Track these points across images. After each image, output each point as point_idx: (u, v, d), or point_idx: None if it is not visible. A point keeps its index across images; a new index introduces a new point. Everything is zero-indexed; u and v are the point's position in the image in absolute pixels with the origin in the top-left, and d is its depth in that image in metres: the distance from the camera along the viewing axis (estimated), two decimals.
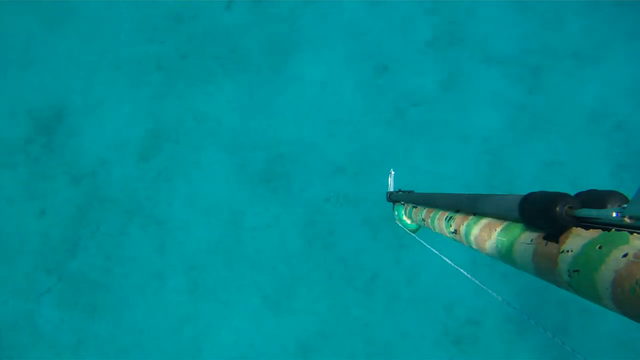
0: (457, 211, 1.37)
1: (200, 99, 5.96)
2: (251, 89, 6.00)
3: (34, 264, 5.43)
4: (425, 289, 5.42)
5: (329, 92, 5.99)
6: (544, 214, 0.77)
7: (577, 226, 0.74)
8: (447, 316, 5.34)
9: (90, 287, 5.37)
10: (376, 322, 5.32)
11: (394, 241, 5.52)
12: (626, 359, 5.21)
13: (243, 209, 5.64)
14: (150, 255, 5.47)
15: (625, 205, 0.66)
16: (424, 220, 1.72)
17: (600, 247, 0.65)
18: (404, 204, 2.20)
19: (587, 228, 0.72)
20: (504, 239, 0.97)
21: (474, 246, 1.18)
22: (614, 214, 0.66)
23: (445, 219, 1.43)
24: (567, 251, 0.72)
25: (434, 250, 1.88)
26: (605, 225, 0.68)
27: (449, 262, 1.68)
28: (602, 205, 0.71)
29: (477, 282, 1.51)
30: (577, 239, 0.71)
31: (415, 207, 1.94)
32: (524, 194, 0.88)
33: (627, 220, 0.64)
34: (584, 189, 0.78)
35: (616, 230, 0.65)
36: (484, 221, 1.12)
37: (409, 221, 2.22)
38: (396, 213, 2.33)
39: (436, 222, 1.54)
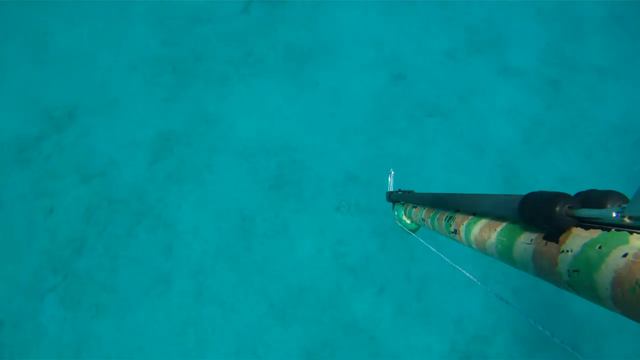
0: (457, 211, 1.36)
1: (213, 102, 5.93)
2: (265, 93, 5.95)
3: (40, 262, 5.40)
4: (434, 303, 5.30)
5: (343, 99, 5.93)
6: (544, 214, 0.77)
7: (577, 226, 0.74)
8: (456, 332, 5.22)
9: (95, 288, 5.32)
10: (383, 335, 5.21)
11: (404, 253, 5.43)
12: None
13: (253, 214, 5.57)
14: (157, 257, 5.42)
15: (625, 205, 0.65)
16: (424, 220, 1.72)
17: (600, 247, 0.65)
18: (403, 204, 2.19)
19: (587, 228, 0.72)
20: (504, 239, 0.97)
21: (474, 246, 1.17)
22: (614, 214, 0.66)
23: (445, 219, 1.43)
24: (567, 251, 0.72)
25: (433, 249, 1.87)
26: (605, 225, 0.69)
27: (449, 262, 1.67)
28: (602, 205, 0.71)
29: (476, 281, 1.50)
30: (577, 239, 0.72)
31: (415, 207, 1.93)
32: (524, 194, 0.87)
33: (627, 220, 0.64)
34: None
35: (616, 230, 0.66)
36: (484, 221, 1.12)
37: (408, 221, 2.19)
38: (396, 213, 2.31)
39: (436, 222, 1.54)
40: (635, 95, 5.65)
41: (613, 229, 0.66)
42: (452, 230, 1.33)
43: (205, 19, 6.23)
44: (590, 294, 0.66)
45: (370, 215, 5.52)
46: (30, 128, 5.80)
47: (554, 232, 0.77)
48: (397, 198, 2.24)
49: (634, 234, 0.62)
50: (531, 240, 0.84)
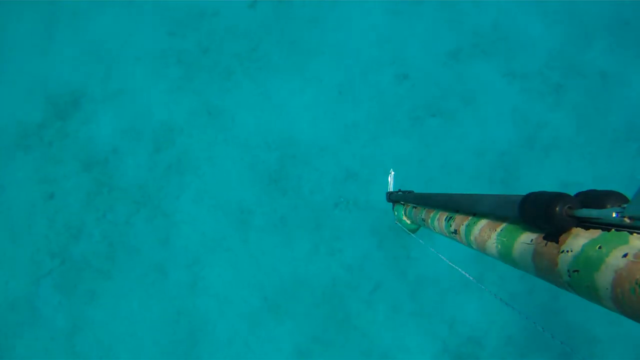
0: (457, 211, 1.37)
1: (217, 95, 5.95)
2: (268, 88, 5.96)
3: (37, 246, 5.45)
4: (428, 304, 5.28)
5: (347, 96, 5.93)
6: (544, 214, 0.77)
7: (577, 226, 0.75)
8: (448, 333, 5.20)
9: (91, 274, 5.36)
10: (375, 333, 5.20)
11: (401, 252, 5.41)
12: None
13: (251, 207, 5.58)
14: (153, 246, 5.44)
15: (625, 206, 0.66)
16: (424, 221, 1.73)
17: (600, 247, 0.65)
18: (403, 204, 2.19)
19: (587, 228, 0.73)
20: (504, 239, 0.98)
21: (474, 246, 1.18)
22: (614, 214, 0.66)
23: (445, 219, 1.43)
24: (567, 251, 0.72)
25: (432, 249, 1.90)
26: (605, 226, 0.69)
27: (448, 262, 1.68)
28: (602, 206, 0.71)
29: (484, 287, 1.50)
30: (577, 239, 0.72)
31: (415, 207, 1.93)
32: (524, 194, 0.88)
33: (626, 220, 0.64)
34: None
35: (616, 230, 0.66)
36: (484, 221, 1.12)
37: (408, 221, 2.20)
38: (396, 213, 2.32)
39: (436, 222, 1.55)
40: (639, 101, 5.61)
41: (613, 229, 0.67)
42: (452, 230, 1.34)
43: (212, 13, 6.26)
44: (590, 294, 0.66)
45: (368, 213, 5.51)
46: (34, 114, 5.85)
47: (554, 232, 0.77)
48: (397, 198, 2.25)
49: (634, 234, 0.63)
50: (531, 240, 0.85)
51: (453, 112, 5.81)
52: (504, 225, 1.00)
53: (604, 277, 0.61)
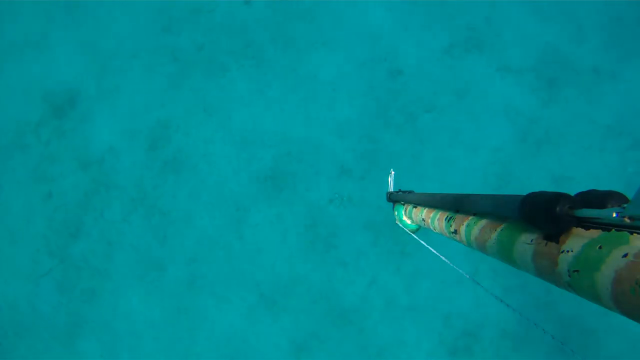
0: (457, 211, 1.38)
1: (213, 93, 5.97)
2: (263, 85, 5.98)
3: (36, 245, 5.50)
4: (423, 298, 5.35)
5: (341, 93, 5.95)
6: (544, 214, 0.77)
7: (577, 226, 0.75)
8: (444, 326, 5.28)
9: (90, 272, 5.41)
10: (371, 328, 5.28)
11: (395, 247, 5.47)
12: None
13: (247, 205, 5.63)
14: (151, 244, 5.50)
15: (625, 206, 0.66)
16: (424, 221, 1.74)
17: (600, 247, 0.65)
18: (404, 204, 2.20)
19: (587, 228, 0.73)
20: (504, 239, 0.98)
21: (474, 246, 1.18)
22: (614, 214, 0.67)
23: (445, 219, 1.44)
24: (567, 251, 0.72)
25: (432, 249, 1.90)
26: (605, 225, 0.69)
27: (448, 262, 1.70)
28: (602, 206, 0.72)
29: (470, 278, 1.52)
30: (577, 239, 0.72)
31: (415, 207, 1.94)
32: (523, 193, 0.88)
33: (627, 220, 0.65)
34: None
35: (616, 230, 0.66)
36: (484, 221, 1.13)
37: (409, 221, 2.22)
38: (396, 213, 2.34)
39: (436, 222, 1.56)
40: (631, 97, 5.63)
41: (613, 229, 0.67)
42: (452, 230, 1.34)
43: (207, 9, 6.25)
44: (590, 294, 0.66)
45: (363, 209, 5.56)
46: (31, 113, 5.87)
47: (554, 232, 0.78)
48: (398, 198, 2.26)
49: (634, 234, 0.63)
50: (531, 240, 0.85)
51: (447, 108, 5.84)
52: (504, 225, 1.01)
53: (604, 277, 0.62)
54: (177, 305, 5.34)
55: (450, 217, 1.39)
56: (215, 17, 6.23)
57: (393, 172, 2.75)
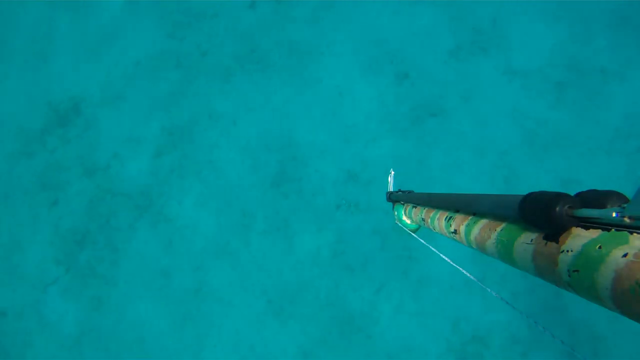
0: (457, 211, 1.37)
1: (217, 98, 5.95)
2: (268, 90, 5.96)
3: (43, 253, 5.50)
4: (431, 303, 5.32)
5: (346, 97, 5.92)
6: (544, 214, 0.77)
7: (577, 226, 0.75)
8: (452, 332, 5.23)
9: (97, 280, 5.41)
10: (379, 335, 5.24)
11: (403, 252, 5.44)
12: None
13: (253, 211, 5.61)
14: (157, 252, 5.49)
15: (625, 205, 0.66)
16: (424, 220, 1.73)
17: (600, 247, 0.65)
18: (403, 204, 2.19)
19: (587, 228, 0.72)
20: (504, 239, 0.98)
21: (473, 246, 1.18)
22: (614, 214, 0.66)
23: (445, 219, 1.43)
24: (567, 251, 0.72)
25: (433, 249, 1.88)
26: (605, 225, 0.69)
27: (450, 261, 1.68)
28: (602, 205, 0.71)
29: (477, 281, 1.51)
30: (577, 239, 0.72)
31: (415, 207, 1.93)
32: (524, 194, 0.88)
33: (627, 220, 0.64)
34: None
35: (616, 230, 0.66)
36: (484, 221, 1.12)
37: (408, 221, 2.21)
38: (396, 213, 2.32)
39: (436, 222, 1.54)
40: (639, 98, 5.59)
41: (613, 229, 0.67)
42: (452, 230, 1.33)
43: (211, 14, 6.24)
44: (590, 294, 0.66)
45: (370, 214, 5.53)
46: (36, 121, 5.87)
47: (554, 232, 0.77)
48: (397, 198, 2.25)
49: (634, 234, 0.63)
50: (531, 240, 0.85)
51: (453, 111, 5.80)
52: (504, 225, 1.01)
53: (604, 277, 0.62)
54: (183, 312, 5.32)
55: (450, 217, 1.38)
56: (219, 22, 6.22)
57: (393, 172, 2.76)
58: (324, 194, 5.62)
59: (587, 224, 0.73)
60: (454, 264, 1.63)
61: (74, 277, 5.42)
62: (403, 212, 2.19)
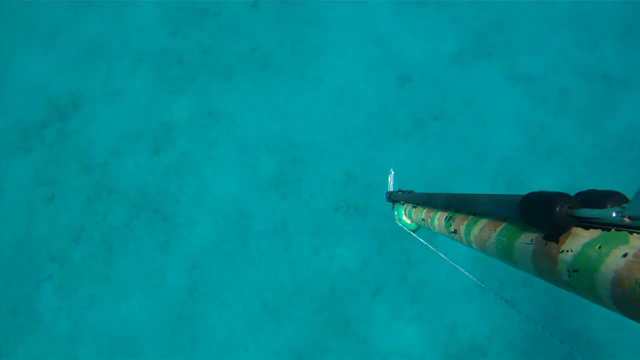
0: (457, 211, 1.37)
1: (218, 97, 5.92)
2: (269, 89, 5.93)
3: (38, 249, 5.46)
4: (429, 308, 5.27)
5: (348, 98, 5.89)
6: (543, 214, 0.77)
7: (577, 226, 0.75)
8: (449, 339, 5.18)
9: (91, 277, 5.36)
10: (375, 339, 5.19)
11: (401, 257, 5.39)
12: None
13: (251, 211, 5.57)
14: (153, 250, 5.44)
15: (625, 205, 0.66)
16: (424, 220, 1.73)
17: (600, 247, 0.65)
18: (403, 204, 2.19)
19: (587, 228, 0.72)
20: (504, 239, 0.98)
21: (473, 246, 1.17)
22: (614, 214, 0.66)
23: (445, 219, 1.43)
24: (567, 251, 0.72)
25: (433, 249, 1.89)
26: (605, 225, 0.69)
27: (450, 261, 1.69)
28: (602, 205, 0.71)
29: (478, 282, 1.49)
30: (577, 239, 0.72)
31: (415, 207, 1.94)
32: (524, 194, 0.88)
33: (626, 220, 0.64)
34: None
35: (616, 230, 0.66)
36: (484, 221, 1.12)
37: (408, 221, 2.21)
38: (396, 213, 2.32)
39: (436, 222, 1.54)
40: None
41: (613, 229, 0.66)
42: (452, 230, 1.33)
43: (214, 12, 6.21)
44: (590, 294, 0.66)
45: (369, 217, 5.49)
46: (35, 115, 5.84)
47: (554, 232, 0.77)
48: (397, 198, 2.25)
49: (634, 234, 0.63)
50: (531, 240, 0.85)
51: (455, 116, 5.76)
52: (503, 225, 1.00)
53: (604, 277, 0.62)
54: (178, 311, 5.28)
55: (450, 217, 1.38)
56: (221, 20, 6.19)
57: (393, 172, 2.77)
58: (323, 196, 5.58)
59: (587, 224, 0.73)
60: (454, 263, 1.63)
61: (69, 273, 5.37)
62: (403, 212, 2.20)
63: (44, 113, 5.85)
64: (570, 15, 5.85)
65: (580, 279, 0.67)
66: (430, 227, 1.63)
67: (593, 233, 0.69)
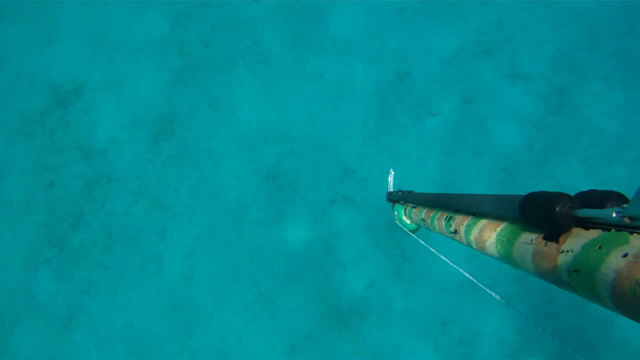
0: (457, 211, 1.37)
1: (218, 88, 5.95)
2: (270, 82, 5.95)
3: (37, 234, 5.51)
4: (421, 303, 5.30)
5: (347, 93, 5.91)
6: (544, 213, 0.77)
7: (577, 226, 0.75)
8: (441, 333, 5.22)
9: (89, 263, 5.42)
10: (367, 332, 5.23)
11: (396, 251, 5.42)
12: None
13: (248, 202, 5.60)
14: (151, 238, 5.49)
15: (625, 206, 0.66)
16: (424, 220, 1.73)
17: (600, 247, 0.65)
18: (403, 204, 2.20)
19: (587, 228, 0.72)
20: (504, 239, 0.98)
21: (473, 246, 1.17)
22: (614, 214, 0.66)
23: (445, 219, 1.43)
24: (567, 251, 0.72)
25: (432, 249, 1.86)
26: (605, 225, 0.69)
27: (448, 261, 1.65)
28: (602, 206, 0.71)
29: (477, 282, 1.50)
30: (577, 239, 0.72)
31: (415, 207, 1.94)
32: (523, 193, 0.88)
33: (626, 220, 0.64)
34: None
35: (616, 230, 0.66)
36: (484, 221, 1.12)
37: (408, 221, 2.21)
38: (396, 213, 2.32)
39: (436, 222, 1.55)
40: None
41: (613, 229, 0.66)
42: (452, 230, 1.33)
43: (216, 5, 6.23)
44: (590, 294, 0.66)
45: (364, 211, 5.52)
46: (36, 102, 5.88)
47: (554, 232, 0.77)
48: (397, 198, 2.25)
49: (634, 234, 0.63)
50: (531, 240, 0.85)
51: (453, 112, 5.77)
52: (503, 225, 1.01)
53: (604, 277, 0.62)
54: (174, 299, 5.33)
55: (450, 217, 1.38)
56: (224, 13, 6.21)
57: (393, 172, 2.72)
58: (320, 189, 5.61)
59: (587, 224, 0.73)
60: (454, 264, 1.64)
61: (66, 259, 5.43)
62: (403, 212, 2.21)
63: (45, 101, 5.90)
64: (571, 15, 5.85)
65: (580, 279, 0.68)
66: (430, 227, 1.64)
67: (593, 233, 0.70)
